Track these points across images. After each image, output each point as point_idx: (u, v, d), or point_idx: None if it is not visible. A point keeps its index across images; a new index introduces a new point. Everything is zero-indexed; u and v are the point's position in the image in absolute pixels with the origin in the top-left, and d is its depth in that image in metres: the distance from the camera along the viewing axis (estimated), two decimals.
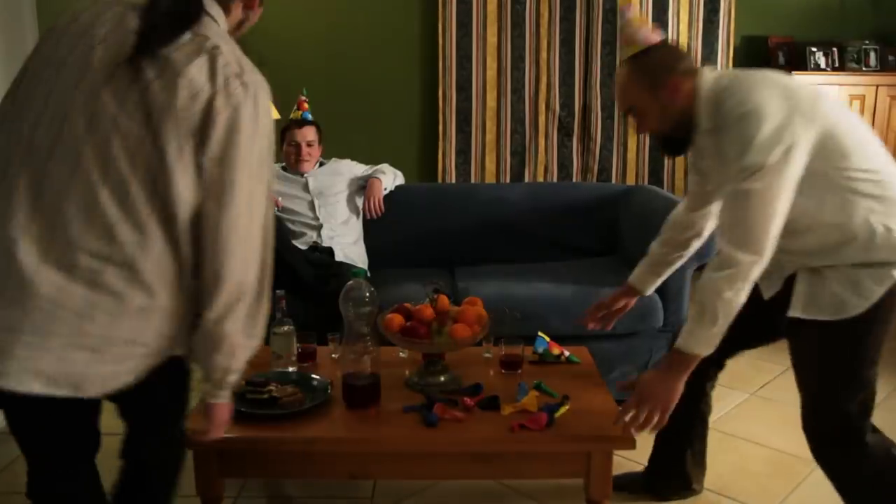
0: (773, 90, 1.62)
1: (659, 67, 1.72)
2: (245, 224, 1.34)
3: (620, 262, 3.29)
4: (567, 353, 2.31)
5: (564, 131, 4.60)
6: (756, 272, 1.61)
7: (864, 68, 4.34)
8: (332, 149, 3.66)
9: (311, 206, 3.14)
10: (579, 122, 4.59)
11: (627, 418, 1.73)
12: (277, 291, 2.05)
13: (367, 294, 2.01)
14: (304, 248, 3.00)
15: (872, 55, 4.34)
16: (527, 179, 4.62)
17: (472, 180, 4.62)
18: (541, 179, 4.63)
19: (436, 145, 4.64)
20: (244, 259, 1.35)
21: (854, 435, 1.75)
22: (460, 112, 4.55)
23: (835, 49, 4.38)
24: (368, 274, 3.09)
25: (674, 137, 1.82)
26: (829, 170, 1.62)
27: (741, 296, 1.61)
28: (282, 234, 2.90)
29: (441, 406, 1.92)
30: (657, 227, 3.01)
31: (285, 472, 2.00)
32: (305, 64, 4.57)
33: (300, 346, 2.26)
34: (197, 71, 1.28)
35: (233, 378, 1.43)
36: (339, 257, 3.00)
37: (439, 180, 4.63)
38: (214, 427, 1.48)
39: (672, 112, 1.74)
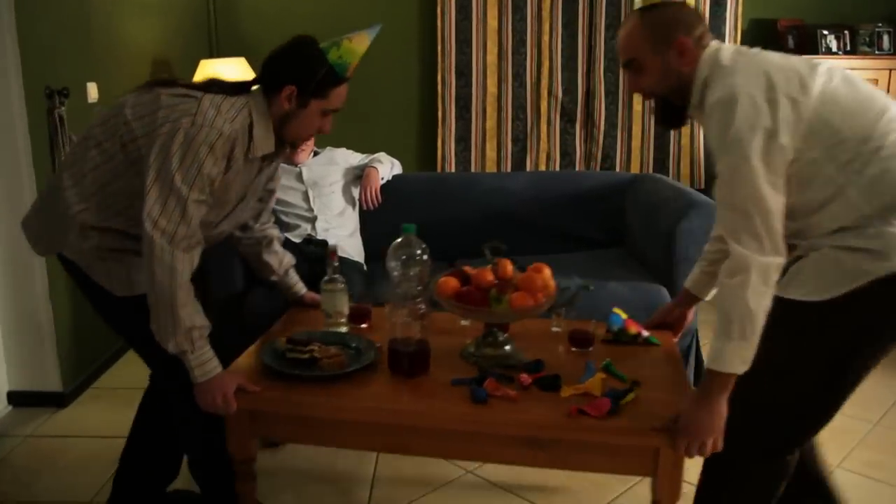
0: (758, 72, 1.49)
1: (669, 24, 1.62)
2: None
3: (627, 254, 3.19)
4: (646, 334, 2.05)
5: (567, 118, 4.49)
6: (774, 273, 1.48)
7: (876, 52, 4.21)
8: (327, 137, 3.53)
9: (306, 198, 3.02)
10: (582, 109, 4.49)
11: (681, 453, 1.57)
12: (330, 244, 2.01)
13: (419, 251, 1.86)
14: (297, 240, 2.89)
15: (886, 38, 4.20)
16: (528, 167, 4.53)
17: (473, 169, 4.53)
18: (543, 167, 4.53)
19: (434, 133, 4.55)
20: None
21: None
22: (460, 98, 4.45)
23: (846, 32, 4.25)
24: (365, 267, 2.99)
25: (672, 105, 1.70)
26: (819, 154, 1.48)
27: (766, 300, 1.47)
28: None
29: (493, 382, 1.73)
30: (665, 217, 2.92)
31: (318, 439, 1.84)
32: None
33: (353, 304, 2.13)
34: None
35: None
36: None
37: (438, 169, 4.54)
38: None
39: (671, 75, 1.63)
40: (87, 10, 3.11)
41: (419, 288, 1.86)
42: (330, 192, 3.07)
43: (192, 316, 1.68)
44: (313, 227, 2.95)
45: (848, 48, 4.25)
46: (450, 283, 1.93)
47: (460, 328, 2.12)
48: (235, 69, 3.80)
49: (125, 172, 1.74)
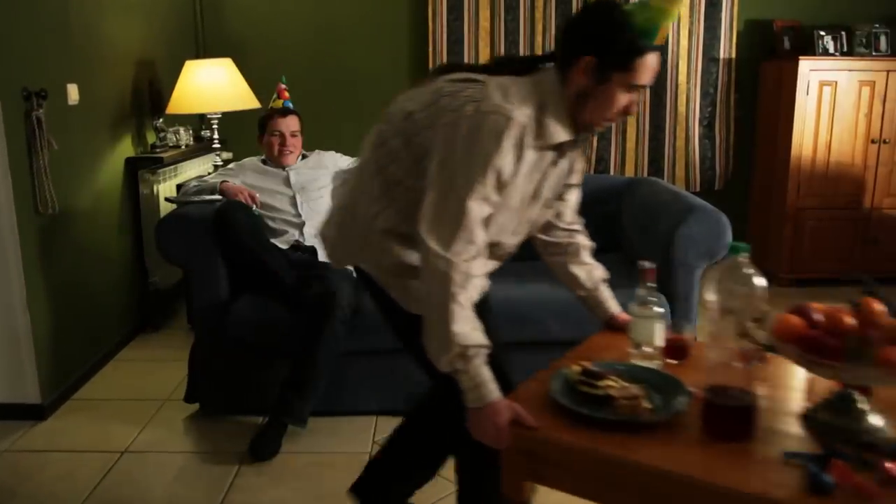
0: None
1: None
2: None
3: (623, 259, 3.11)
4: None
5: None
6: None
7: (874, 53, 4.16)
8: (316, 140, 3.48)
9: (293, 202, 2.94)
10: None
11: None
12: (647, 263, 1.67)
13: (752, 276, 1.49)
14: (284, 247, 2.81)
15: (883, 39, 4.16)
16: None
17: None
18: None
19: None
20: None
21: None
22: None
23: (843, 33, 4.20)
24: (355, 274, 2.90)
25: None
26: None
27: None
28: (259, 232, 2.72)
29: (842, 465, 1.26)
30: (661, 222, 2.85)
31: (599, 495, 1.46)
32: (287, 49, 4.41)
33: (669, 334, 1.71)
34: None
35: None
36: (322, 257, 2.81)
37: None
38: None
39: None
40: (66, 8, 3.02)
41: (749, 324, 1.50)
42: (318, 196, 2.99)
43: (469, 334, 1.43)
44: (301, 233, 2.87)
45: (845, 49, 4.21)
46: (792, 322, 1.48)
47: (801, 381, 1.65)
48: (222, 70, 3.71)
49: (412, 172, 1.55)
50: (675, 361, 1.68)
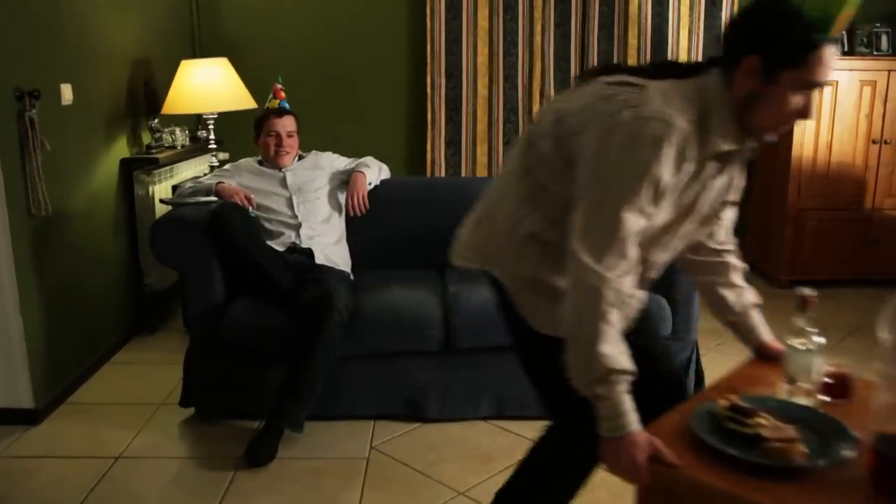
0: None
1: None
2: None
3: None
4: None
5: None
6: None
7: (874, 52, 4.14)
8: (313, 141, 3.46)
9: (290, 204, 2.91)
10: None
11: None
12: (807, 290, 1.52)
13: None
14: (281, 249, 2.78)
15: (884, 38, 4.13)
16: None
17: (463, 173, 4.43)
18: None
19: (424, 136, 4.44)
20: None
21: None
22: (450, 100, 4.35)
23: (844, 32, 4.16)
24: (352, 277, 2.88)
25: None
26: None
27: None
28: (255, 234, 2.69)
29: None
30: None
31: None
32: (284, 48, 4.39)
33: (831, 371, 1.54)
34: None
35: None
36: (319, 259, 2.78)
37: (428, 174, 4.44)
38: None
39: None
40: (60, 6, 2.98)
41: None
42: (315, 197, 2.96)
43: (615, 357, 1.33)
44: (297, 235, 2.84)
45: (845, 49, 4.19)
46: None
47: None
48: (218, 70, 3.67)
49: (560, 177, 1.47)
50: (836, 401, 1.50)
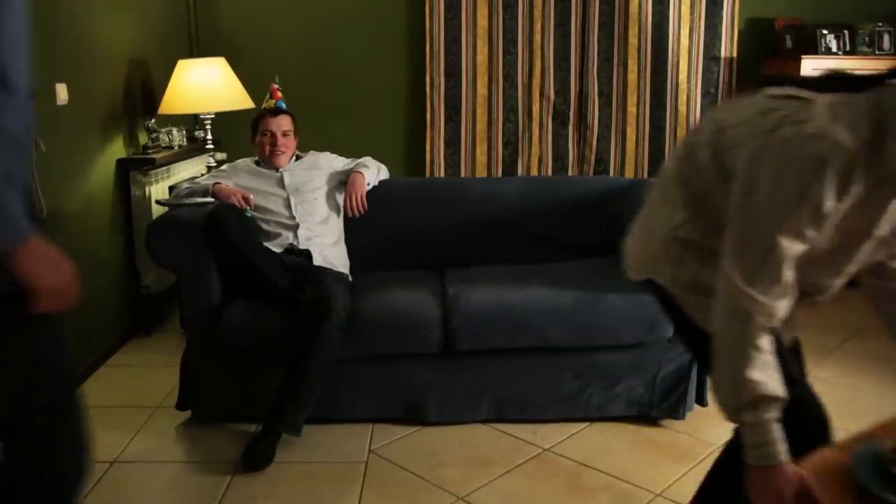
0: None
1: None
2: None
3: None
4: None
5: (559, 120, 4.38)
6: None
7: (877, 52, 4.12)
8: (311, 141, 3.43)
9: (287, 204, 2.88)
10: (575, 110, 4.38)
11: None
12: None
13: None
14: (278, 250, 2.75)
15: (886, 38, 4.12)
16: (520, 171, 4.42)
17: (462, 173, 4.42)
18: (535, 171, 4.42)
19: (423, 136, 4.42)
20: None
21: None
22: (449, 100, 4.33)
23: (846, 31, 4.16)
24: (350, 278, 2.85)
25: None
26: None
27: None
28: (252, 235, 2.66)
29: None
30: None
31: None
32: (282, 48, 4.38)
33: None
34: None
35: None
36: (317, 261, 2.75)
37: (427, 174, 4.42)
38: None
39: None
40: (55, 5, 2.95)
41: None
42: (313, 198, 2.94)
43: (764, 383, 1.27)
44: (295, 236, 2.81)
45: (847, 48, 4.17)
46: None
47: None
48: (215, 70, 3.65)
49: (717, 188, 1.42)
50: None
